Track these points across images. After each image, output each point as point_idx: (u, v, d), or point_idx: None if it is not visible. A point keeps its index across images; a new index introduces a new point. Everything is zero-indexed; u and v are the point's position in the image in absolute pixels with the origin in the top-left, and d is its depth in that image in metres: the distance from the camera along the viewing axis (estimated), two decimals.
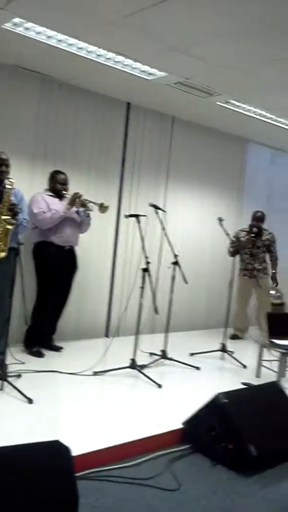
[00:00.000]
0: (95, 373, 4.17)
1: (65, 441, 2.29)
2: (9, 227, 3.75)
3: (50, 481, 2.06)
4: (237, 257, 5.78)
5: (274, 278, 6.14)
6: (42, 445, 2.23)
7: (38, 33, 3.86)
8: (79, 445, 2.74)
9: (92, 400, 3.70)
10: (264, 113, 5.47)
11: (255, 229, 6.05)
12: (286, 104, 5.09)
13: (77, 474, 2.34)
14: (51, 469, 2.11)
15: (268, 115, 5.53)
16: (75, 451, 2.38)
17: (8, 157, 3.99)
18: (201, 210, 6.51)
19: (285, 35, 3.43)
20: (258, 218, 6.08)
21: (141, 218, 4.50)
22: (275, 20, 3.22)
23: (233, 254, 5.82)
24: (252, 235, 6.03)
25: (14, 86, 4.73)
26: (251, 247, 6.05)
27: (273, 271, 6.15)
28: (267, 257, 6.19)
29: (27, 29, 3.80)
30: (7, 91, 4.69)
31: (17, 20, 3.64)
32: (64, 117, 5.11)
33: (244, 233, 6.10)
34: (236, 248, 5.83)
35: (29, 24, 3.71)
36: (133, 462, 2.90)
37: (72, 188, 4.72)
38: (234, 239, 5.90)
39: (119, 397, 3.80)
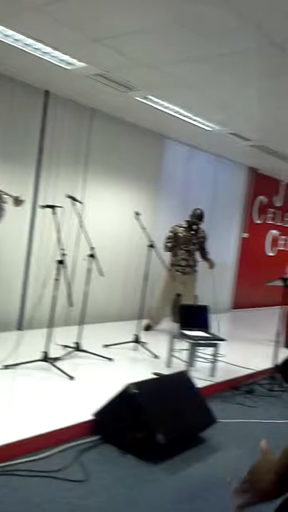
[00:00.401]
0: (6, 367, 4.08)
1: None
2: None
3: None
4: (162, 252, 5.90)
5: (211, 262, 6.35)
6: None
7: None
8: None
9: (2, 394, 3.63)
10: (181, 110, 5.62)
11: (195, 226, 6.19)
12: (200, 103, 5.27)
13: None
14: None
15: (185, 113, 5.69)
16: None
17: None
18: (118, 204, 6.56)
19: (198, 36, 3.54)
20: (199, 216, 6.22)
21: (58, 210, 4.45)
22: (188, 21, 3.32)
23: (170, 249, 5.92)
24: (192, 232, 6.17)
25: None
26: (188, 244, 6.19)
27: (208, 258, 6.37)
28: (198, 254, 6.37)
29: None
30: None
31: None
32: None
33: (182, 229, 6.20)
34: (174, 244, 5.94)
35: None
36: (42, 455, 2.90)
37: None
38: (171, 234, 5.99)
39: (30, 391, 3.76)
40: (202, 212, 6.30)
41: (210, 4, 3.03)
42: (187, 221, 6.28)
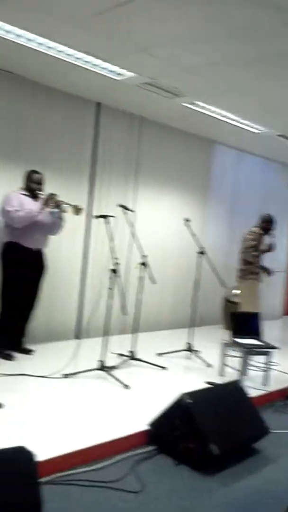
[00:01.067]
0: (65, 376, 4.18)
1: (32, 446, 2.32)
2: None
3: (12, 488, 2.08)
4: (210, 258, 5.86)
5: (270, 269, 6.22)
6: (5, 451, 2.24)
7: (8, 31, 3.82)
8: (46, 449, 2.77)
9: (62, 403, 3.72)
10: (228, 114, 5.57)
11: (272, 233, 6.05)
12: (249, 106, 5.20)
13: (43, 479, 2.37)
14: (13, 476, 2.12)
15: (233, 116, 5.63)
16: (42, 456, 2.41)
17: None
18: (168, 211, 6.57)
19: (244, 39, 3.50)
20: (273, 221, 6.07)
21: (110, 219, 4.52)
22: (235, 25, 3.29)
23: (255, 257, 5.85)
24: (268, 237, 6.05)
25: None
26: (262, 251, 6.08)
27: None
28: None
29: None
30: None
31: None
32: (35, 117, 5.08)
33: (258, 235, 6.01)
34: (256, 251, 5.87)
35: None
36: (99, 465, 2.95)
37: (45, 189, 4.69)
38: (254, 242, 5.89)
39: (87, 399, 3.83)
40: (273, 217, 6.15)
41: (257, 6, 2.99)
42: (262, 227, 6.05)
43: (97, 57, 4.17)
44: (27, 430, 3.14)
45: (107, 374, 4.27)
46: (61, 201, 4.57)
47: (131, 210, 4.97)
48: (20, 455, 2.17)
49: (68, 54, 4.19)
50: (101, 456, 3.02)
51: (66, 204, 4.57)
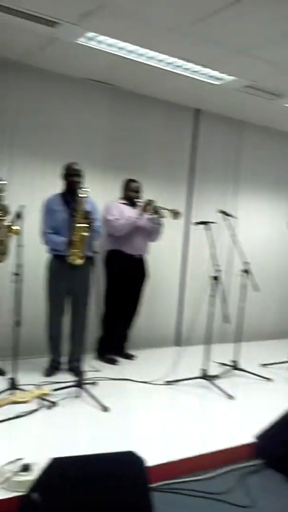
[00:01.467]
0: (167, 383, 4.17)
1: (138, 451, 2.31)
2: (85, 234, 3.85)
3: (125, 492, 2.08)
4: None
5: None
6: (116, 455, 2.26)
7: (110, 45, 3.94)
8: (151, 455, 2.75)
9: (165, 410, 3.71)
10: None
11: None
12: None
13: (150, 486, 2.34)
14: (125, 480, 2.12)
15: None
16: (148, 462, 2.39)
17: (81, 167, 4.10)
18: (269, 216, 6.35)
19: None
20: None
21: (211, 225, 4.45)
22: None
23: None
24: None
25: (84, 98, 4.85)
26: None
27: None
28: None
29: (99, 42, 3.89)
30: (78, 103, 4.82)
31: (90, 34, 3.74)
32: (134, 126, 5.18)
33: None
34: None
35: (101, 37, 3.81)
36: (205, 476, 2.87)
37: (144, 196, 4.76)
38: None
39: (191, 408, 3.78)
40: None
41: None
42: None
43: (196, 63, 4.16)
44: (131, 434, 3.16)
45: (209, 383, 4.18)
46: (159, 206, 4.60)
47: (232, 216, 4.86)
48: (131, 460, 2.17)
49: (168, 63, 4.22)
50: (206, 467, 2.94)
51: (164, 209, 4.58)
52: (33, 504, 1.98)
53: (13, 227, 3.60)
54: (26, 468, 2.38)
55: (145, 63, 4.21)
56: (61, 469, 2.00)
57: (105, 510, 2.02)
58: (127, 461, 2.19)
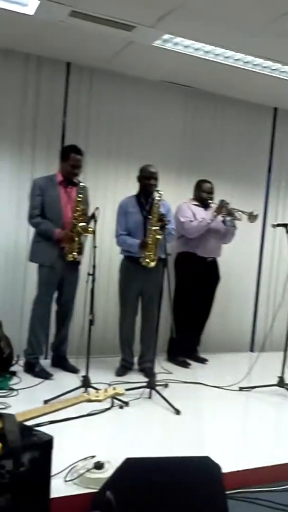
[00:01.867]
0: (241, 389, 4.06)
1: (211, 457, 2.25)
2: (159, 237, 3.86)
3: (200, 498, 2.03)
4: None
5: None
6: (192, 460, 2.22)
7: (186, 46, 3.93)
8: (224, 462, 2.67)
9: (238, 416, 3.61)
10: None
11: None
12: None
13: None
14: (202, 486, 2.07)
15: None
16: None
17: (157, 170, 4.11)
18: None
19: None
20: None
21: None
22: None
23: None
24: None
25: (159, 100, 4.87)
26: None
27: None
28: None
29: (175, 44, 3.89)
30: (153, 105, 4.84)
31: (166, 36, 3.75)
32: (209, 127, 5.13)
33: None
34: None
35: (177, 39, 3.80)
36: (281, 487, 2.74)
37: (217, 198, 4.69)
38: None
39: (265, 416, 3.66)
40: None
41: None
42: None
43: (275, 61, 4.04)
44: (203, 439, 3.10)
45: (286, 391, 4.01)
46: (234, 208, 4.50)
47: None
48: (208, 465, 2.12)
49: (245, 62, 4.14)
50: (281, 478, 2.81)
51: (240, 211, 4.48)
52: (107, 502, 1.99)
53: (89, 228, 3.68)
54: (99, 465, 2.40)
55: (222, 63, 4.15)
56: (135, 470, 1.99)
57: None
58: (204, 467, 2.14)
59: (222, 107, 5.16)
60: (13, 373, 3.81)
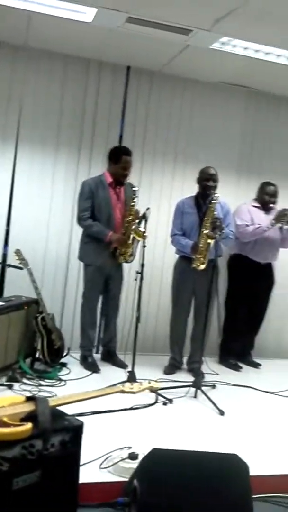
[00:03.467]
0: None
1: (245, 458, 2.25)
2: (210, 241, 3.85)
3: (225, 494, 2.04)
4: None
5: None
6: (219, 455, 2.23)
7: (246, 48, 3.91)
8: (258, 465, 2.65)
9: (284, 424, 3.53)
10: None
11: None
12: None
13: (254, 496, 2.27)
14: (227, 482, 2.08)
15: None
16: (255, 471, 2.31)
17: (216, 172, 4.12)
18: None
19: None
20: None
21: None
22: None
23: None
24: None
25: (218, 102, 4.88)
26: None
27: None
28: None
29: (234, 46, 3.89)
30: (212, 107, 4.86)
31: (224, 39, 3.76)
32: (270, 128, 5.05)
33: None
34: None
35: (236, 41, 3.80)
36: None
37: (280, 202, 4.61)
38: None
39: None
40: None
41: None
42: None
43: None
44: (242, 441, 3.06)
45: None
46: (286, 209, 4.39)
47: None
48: (234, 462, 2.13)
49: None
50: None
51: None
52: (133, 490, 2.06)
53: (140, 231, 3.77)
54: (133, 456, 2.47)
55: (282, 64, 4.09)
56: (160, 461, 2.05)
57: (202, 509, 2.01)
58: (231, 463, 2.14)
59: (283, 108, 5.06)
60: (64, 364, 3.98)
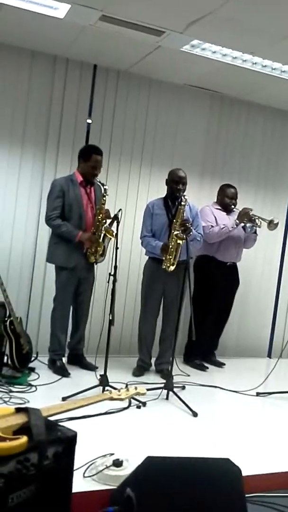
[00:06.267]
0: (258, 394, 4.06)
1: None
2: (180, 242, 3.88)
3: (220, 500, 2.05)
4: None
5: None
6: (213, 461, 2.23)
7: (214, 52, 3.96)
8: (241, 465, 2.69)
9: (255, 422, 3.61)
10: None
11: None
12: None
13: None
14: (222, 488, 2.08)
15: None
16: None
17: (185, 174, 4.13)
18: None
19: None
20: None
21: None
22: None
23: None
24: None
25: (183, 104, 4.90)
26: None
27: None
28: None
29: (203, 49, 3.92)
30: (177, 109, 4.88)
31: (195, 42, 3.78)
32: (233, 132, 5.14)
33: None
34: None
35: (205, 45, 3.83)
36: None
37: (239, 203, 4.70)
38: None
39: (283, 421, 3.65)
40: None
41: None
42: None
43: None
44: (220, 442, 3.11)
45: None
46: (256, 215, 4.50)
47: None
48: (228, 467, 2.14)
49: (273, 68, 4.16)
50: None
51: (261, 218, 4.49)
52: (126, 499, 2.02)
53: (111, 229, 3.73)
54: (118, 463, 2.43)
55: (249, 69, 4.17)
56: (156, 469, 2.02)
57: None
58: (225, 468, 2.15)
59: (247, 113, 5.17)
60: (32, 369, 3.88)
